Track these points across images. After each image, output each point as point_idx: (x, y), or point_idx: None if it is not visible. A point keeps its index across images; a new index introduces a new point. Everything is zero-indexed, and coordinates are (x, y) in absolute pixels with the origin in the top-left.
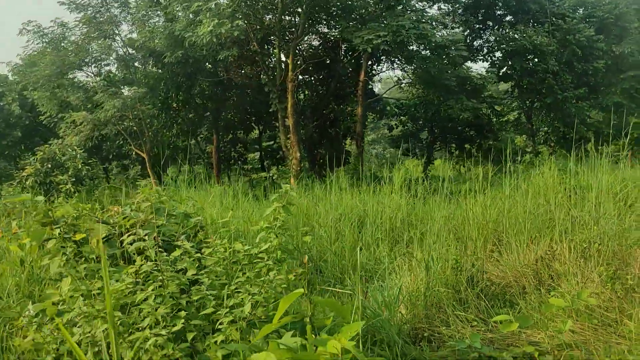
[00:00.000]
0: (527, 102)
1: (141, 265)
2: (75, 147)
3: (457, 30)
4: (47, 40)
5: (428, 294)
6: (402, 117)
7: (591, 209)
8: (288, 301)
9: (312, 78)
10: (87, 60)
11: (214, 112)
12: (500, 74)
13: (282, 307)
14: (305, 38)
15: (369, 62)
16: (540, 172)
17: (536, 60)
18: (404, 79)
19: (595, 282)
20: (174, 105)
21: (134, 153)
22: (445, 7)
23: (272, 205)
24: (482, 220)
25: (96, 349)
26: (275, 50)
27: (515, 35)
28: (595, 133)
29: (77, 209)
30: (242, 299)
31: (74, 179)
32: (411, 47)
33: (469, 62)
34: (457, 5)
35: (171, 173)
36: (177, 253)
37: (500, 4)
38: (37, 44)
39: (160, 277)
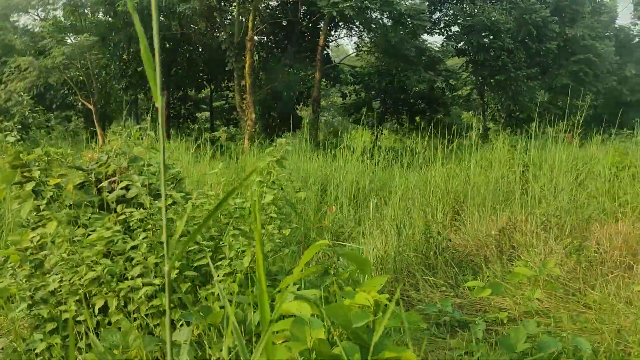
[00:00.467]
0: (480, 78)
1: (131, 212)
2: (22, 94)
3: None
4: None
5: (398, 259)
6: (355, 86)
7: (546, 184)
8: (313, 251)
9: (268, 39)
10: (33, 2)
11: (165, 67)
12: (456, 48)
13: (307, 256)
14: None
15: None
16: (493, 147)
17: (492, 37)
18: (362, 47)
19: (558, 254)
20: (124, 57)
21: (80, 104)
22: None
23: (265, 159)
24: (444, 190)
25: (77, 298)
26: (233, 7)
27: (475, 10)
28: (540, 113)
29: (47, 154)
30: (239, 250)
31: (19, 126)
32: (374, 15)
33: (426, 34)
34: None
35: (114, 127)
36: (168, 201)
37: None
38: None
39: (150, 225)
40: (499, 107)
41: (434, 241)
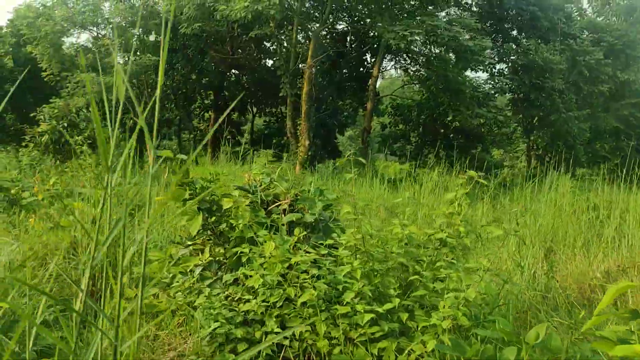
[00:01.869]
0: (529, 117)
1: (341, 237)
2: (84, 110)
3: (486, 38)
4: None
5: (520, 298)
6: (396, 117)
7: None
8: (620, 290)
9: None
10: (97, 20)
11: (215, 89)
12: (507, 86)
13: (611, 295)
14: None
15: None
16: (555, 187)
17: (544, 77)
18: (414, 79)
19: None
20: (177, 77)
21: (131, 121)
22: (455, 13)
23: (454, 191)
24: (535, 230)
25: (274, 319)
26: (291, 34)
27: (529, 49)
28: (587, 155)
29: (215, 174)
30: (458, 279)
31: (90, 141)
32: (438, 50)
33: (470, 70)
34: (468, 13)
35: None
36: (367, 228)
37: (511, 17)
38: None
39: (363, 251)
40: (546, 147)
41: (542, 280)
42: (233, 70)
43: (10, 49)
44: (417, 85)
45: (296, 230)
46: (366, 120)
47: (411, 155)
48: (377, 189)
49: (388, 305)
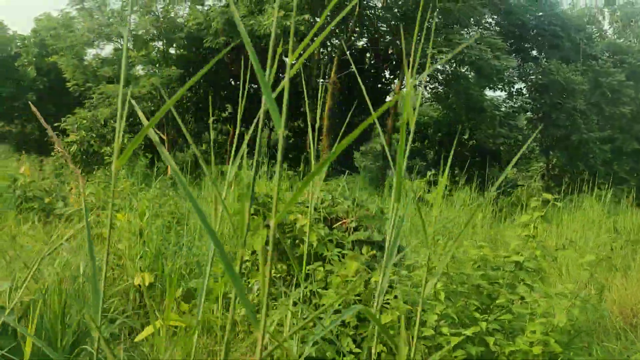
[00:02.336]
0: (548, 137)
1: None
2: (119, 120)
3: (510, 57)
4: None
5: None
6: (413, 134)
7: None
8: None
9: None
10: (118, 31)
11: (235, 103)
12: (528, 105)
13: None
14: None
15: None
16: (583, 208)
17: (565, 97)
18: (432, 96)
19: None
20: (201, 91)
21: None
22: (475, 32)
23: (529, 214)
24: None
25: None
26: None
27: (551, 68)
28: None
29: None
30: (546, 304)
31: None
32: (462, 68)
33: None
34: (490, 32)
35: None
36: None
37: (531, 37)
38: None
39: (444, 272)
40: (561, 167)
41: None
42: (252, 85)
43: (34, 59)
44: (435, 103)
45: (365, 249)
46: (387, 136)
47: (424, 173)
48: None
49: (475, 329)
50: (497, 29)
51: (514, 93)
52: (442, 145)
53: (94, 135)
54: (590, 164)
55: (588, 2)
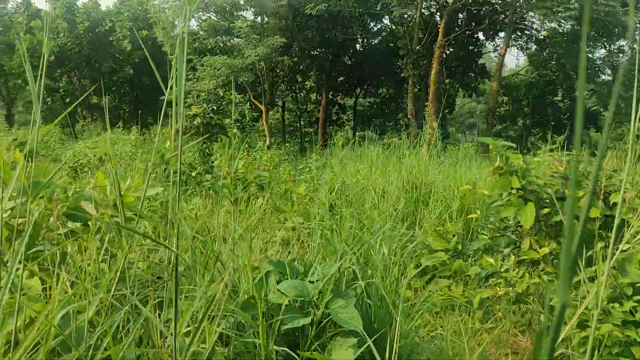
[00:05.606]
0: None
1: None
2: (234, 92)
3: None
4: None
5: None
6: (505, 97)
7: None
8: None
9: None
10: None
11: (326, 72)
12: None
13: None
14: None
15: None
16: None
17: None
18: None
19: None
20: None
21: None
22: None
23: None
24: None
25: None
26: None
27: None
28: None
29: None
30: None
31: (238, 124)
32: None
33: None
34: None
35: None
36: None
37: None
38: None
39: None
40: None
41: None
42: (340, 52)
43: (129, 33)
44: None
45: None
46: (492, 99)
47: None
48: None
49: None
50: None
51: (615, 50)
52: (534, 107)
53: (215, 107)
54: None
55: None
